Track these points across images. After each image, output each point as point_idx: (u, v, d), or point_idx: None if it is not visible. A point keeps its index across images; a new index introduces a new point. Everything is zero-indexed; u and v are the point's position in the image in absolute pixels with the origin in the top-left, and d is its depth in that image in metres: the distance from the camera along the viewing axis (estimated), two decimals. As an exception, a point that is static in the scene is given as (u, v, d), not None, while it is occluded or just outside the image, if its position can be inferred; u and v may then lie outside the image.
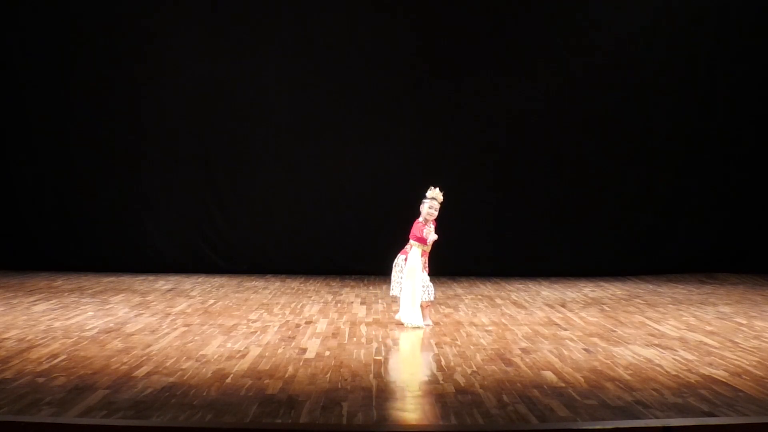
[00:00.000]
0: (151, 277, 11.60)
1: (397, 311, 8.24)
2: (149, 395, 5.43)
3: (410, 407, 5.36)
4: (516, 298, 10.06)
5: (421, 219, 8.09)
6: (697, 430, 4.88)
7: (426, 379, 6.11)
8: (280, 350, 6.86)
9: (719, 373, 6.14)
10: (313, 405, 5.26)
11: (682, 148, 12.60)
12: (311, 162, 12.39)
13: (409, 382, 6.06)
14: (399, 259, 8.10)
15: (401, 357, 7.01)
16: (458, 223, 12.37)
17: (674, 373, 6.16)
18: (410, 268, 7.92)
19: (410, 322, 7.92)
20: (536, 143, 12.45)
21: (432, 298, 8.09)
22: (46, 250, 12.32)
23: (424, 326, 7.93)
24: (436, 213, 8.09)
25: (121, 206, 12.37)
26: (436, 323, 8.23)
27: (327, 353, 6.79)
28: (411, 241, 8.05)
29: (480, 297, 10.16)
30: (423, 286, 7.97)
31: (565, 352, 6.86)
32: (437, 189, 8.15)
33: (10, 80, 12.41)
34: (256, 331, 7.68)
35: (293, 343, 7.16)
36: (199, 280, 11.48)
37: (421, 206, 8.10)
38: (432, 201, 8.06)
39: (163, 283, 11.14)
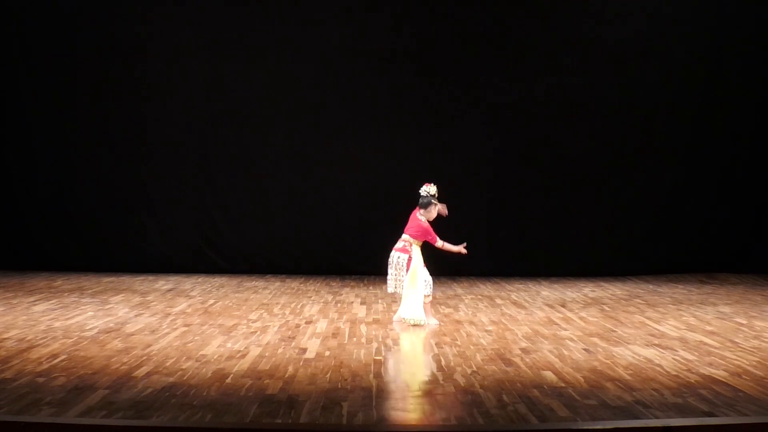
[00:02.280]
0: (151, 277, 11.60)
1: (396, 311, 8.25)
2: (149, 395, 5.44)
3: (410, 407, 5.36)
4: (516, 298, 10.06)
5: (423, 218, 8.05)
6: (697, 430, 4.88)
7: (426, 378, 6.11)
8: (280, 350, 6.87)
9: (719, 373, 6.14)
10: (313, 405, 5.27)
11: (681, 148, 12.59)
12: (311, 162, 12.39)
13: (410, 382, 6.07)
14: (395, 257, 8.08)
15: (401, 357, 7.01)
16: (458, 223, 12.37)
17: (674, 373, 6.16)
18: (415, 265, 7.93)
19: (413, 317, 7.91)
20: (536, 143, 12.45)
21: (430, 292, 8.10)
22: (46, 250, 12.32)
23: (429, 324, 7.93)
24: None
25: (121, 206, 12.37)
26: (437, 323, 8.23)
27: (327, 353, 6.79)
28: (412, 240, 8.02)
29: (480, 297, 10.16)
30: (425, 281, 7.98)
31: (565, 352, 6.86)
32: (432, 185, 8.12)
33: (11, 80, 12.40)
34: (256, 331, 7.68)
35: (293, 343, 7.16)
36: (199, 280, 11.48)
37: (432, 208, 8.08)
38: (439, 203, 8.10)
39: (163, 283, 11.14)
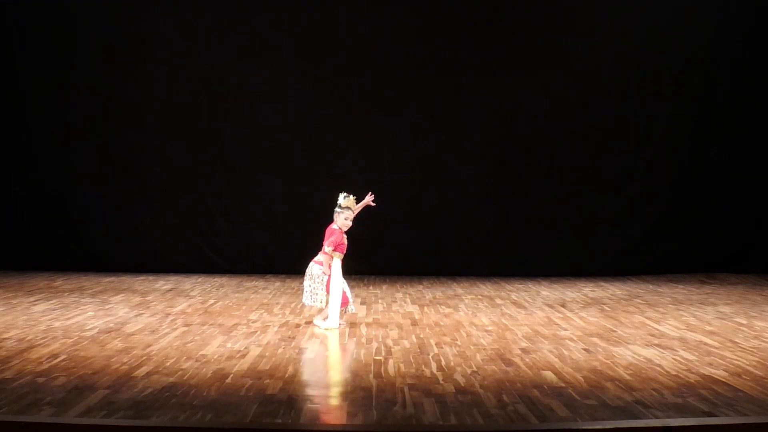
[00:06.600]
0: (151, 277, 11.60)
1: (312, 315, 8.21)
2: (149, 395, 5.44)
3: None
4: (516, 298, 10.06)
5: (336, 227, 7.92)
6: (697, 430, 4.88)
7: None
8: (280, 350, 6.87)
9: (719, 373, 6.14)
10: (313, 405, 5.27)
11: (681, 148, 12.59)
12: (311, 162, 12.38)
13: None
14: (314, 268, 7.86)
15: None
16: (458, 223, 12.41)
17: (674, 373, 6.16)
18: (336, 278, 7.76)
19: (333, 326, 7.77)
20: (536, 143, 12.44)
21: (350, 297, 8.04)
22: (46, 250, 12.32)
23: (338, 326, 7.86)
24: (351, 223, 7.96)
25: (121, 206, 12.37)
26: (437, 323, 8.24)
27: (327, 353, 6.79)
28: (333, 252, 7.83)
29: (480, 297, 10.16)
30: (344, 290, 7.86)
31: (565, 352, 6.86)
32: (351, 196, 7.98)
33: (10, 80, 12.40)
34: (256, 331, 7.68)
35: (293, 343, 7.16)
36: (199, 280, 11.48)
37: (337, 216, 7.90)
38: (347, 211, 7.92)
39: (163, 283, 11.14)
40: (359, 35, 12.35)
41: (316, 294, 7.86)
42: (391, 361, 6.52)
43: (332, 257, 7.86)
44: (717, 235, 12.64)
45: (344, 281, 7.89)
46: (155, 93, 12.38)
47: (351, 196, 8.04)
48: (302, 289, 8.01)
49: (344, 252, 7.94)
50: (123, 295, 9.97)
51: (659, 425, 4.86)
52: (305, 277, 7.95)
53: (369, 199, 8.31)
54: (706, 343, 7.27)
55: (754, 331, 7.94)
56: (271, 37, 12.35)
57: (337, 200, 8.02)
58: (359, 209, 8.17)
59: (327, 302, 7.83)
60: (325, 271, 7.84)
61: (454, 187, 12.42)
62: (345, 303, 7.91)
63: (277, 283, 11.24)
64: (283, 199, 12.45)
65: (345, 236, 7.97)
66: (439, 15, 12.39)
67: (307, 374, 6.28)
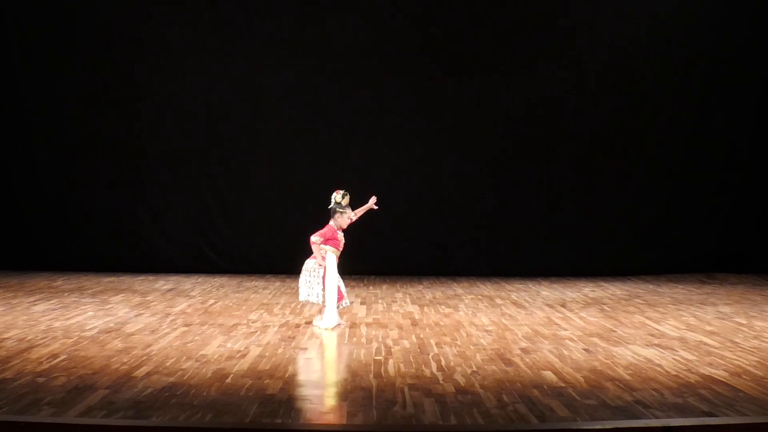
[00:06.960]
0: (151, 277, 11.60)
1: (311, 315, 8.25)
2: (149, 395, 5.44)
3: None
4: (516, 298, 10.06)
5: (333, 225, 7.94)
6: (697, 430, 4.89)
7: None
8: (280, 350, 6.87)
9: (719, 373, 6.14)
10: (313, 405, 5.26)
11: (681, 148, 12.59)
12: (312, 162, 12.38)
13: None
14: (309, 263, 7.91)
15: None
16: (458, 222, 12.41)
17: (674, 373, 6.16)
18: (330, 274, 7.79)
19: (331, 324, 7.79)
20: (536, 143, 12.44)
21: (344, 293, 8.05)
22: (46, 250, 12.32)
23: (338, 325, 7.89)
24: (350, 221, 8.00)
25: (121, 206, 12.37)
26: (437, 323, 8.24)
27: (327, 353, 6.79)
28: (326, 247, 7.84)
29: (480, 297, 10.16)
30: (338, 287, 7.90)
31: (565, 352, 6.86)
32: (348, 196, 7.98)
33: (10, 81, 12.40)
34: (256, 331, 7.68)
35: (293, 343, 7.16)
36: (199, 280, 11.48)
37: (339, 216, 7.90)
38: (349, 211, 7.95)
39: (163, 283, 11.14)
40: (359, 36, 12.33)
41: (312, 288, 7.86)
42: (391, 361, 6.52)
43: (321, 249, 7.83)
44: (717, 235, 12.65)
45: (339, 277, 7.90)
46: (155, 93, 12.38)
47: (348, 195, 8.03)
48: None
49: (339, 248, 7.94)
50: (123, 295, 9.98)
51: (659, 425, 4.86)
52: (301, 274, 7.96)
53: (371, 202, 8.30)
54: (706, 343, 7.27)
55: (754, 331, 7.94)
56: (272, 37, 12.35)
57: (333, 199, 7.99)
58: (362, 213, 8.19)
59: (324, 298, 7.82)
60: (320, 263, 7.83)
61: (455, 187, 12.42)
62: (340, 298, 7.92)
63: (277, 283, 11.24)
64: (283, 199, 12.45)
65: (341, 233, 7.96)
66: (439, 14, 12.39)
67: (307, 374, 6.29)
